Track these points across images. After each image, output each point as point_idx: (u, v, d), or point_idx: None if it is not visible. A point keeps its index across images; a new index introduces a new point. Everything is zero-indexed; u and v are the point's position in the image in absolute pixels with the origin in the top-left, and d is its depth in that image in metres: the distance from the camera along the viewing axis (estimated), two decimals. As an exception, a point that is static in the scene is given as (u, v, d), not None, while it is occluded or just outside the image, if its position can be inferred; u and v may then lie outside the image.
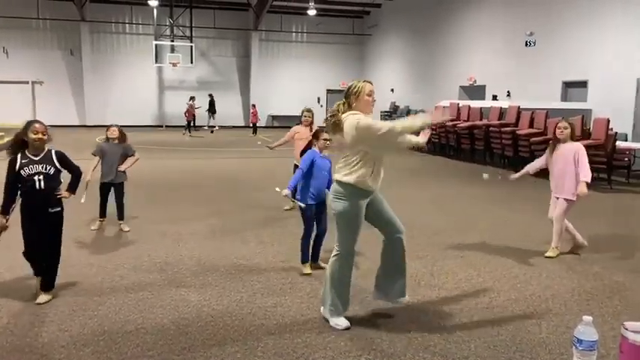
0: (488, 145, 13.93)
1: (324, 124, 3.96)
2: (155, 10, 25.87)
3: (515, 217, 7.60)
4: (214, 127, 24.66)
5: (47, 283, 4.23)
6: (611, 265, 5.39)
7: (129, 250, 5.67)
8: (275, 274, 4.96)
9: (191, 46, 25.53)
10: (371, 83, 3.82)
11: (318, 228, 5.03)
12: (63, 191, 4.22)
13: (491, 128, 13.63)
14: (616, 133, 10.98)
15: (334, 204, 3.77)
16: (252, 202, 8.40)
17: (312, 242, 5.04)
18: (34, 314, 3.96)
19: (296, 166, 7.61)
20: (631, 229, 7.04)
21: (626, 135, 12.38)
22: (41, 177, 4.05)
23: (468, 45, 19.48)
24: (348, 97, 3.77)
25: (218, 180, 10.69)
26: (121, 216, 6.47)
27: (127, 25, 26.43)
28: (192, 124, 22.85)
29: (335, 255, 3.84)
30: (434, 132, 16.17)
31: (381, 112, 22.49)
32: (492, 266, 5.29)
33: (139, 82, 26.29)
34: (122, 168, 6.32)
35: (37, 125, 4.07)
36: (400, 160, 10.80)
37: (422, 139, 4.14)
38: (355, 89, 3.74)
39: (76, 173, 4.33)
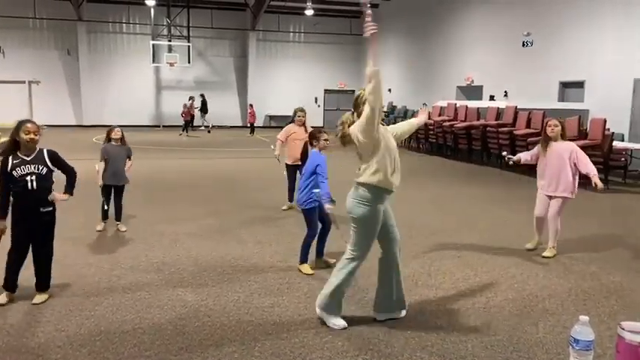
0: (486, 146, 13.94)
1: (338, 137, 3.84)
2: (152, 10, 25.82)
3: (512, 217, 7.61)
4: (208, 126, 24.68)
5: (42, 283, 4.22)
6: (607, 265, 5.40)
7: (126, 250, 5.66)
8: (272, 274, 4.95)
9: (188, 46, 25.49)
10: None
11: (323, 226, 5.06)
12: (60, 194, 4.19)
13: (488, 128, 13.65)
14: (613, 133, 11.01)
15: (356, 209, 3.69)
16: (250, 202, 8.40)
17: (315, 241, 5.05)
18: (30, 314, 3.95)
19: (289, 166, 7.61)
20: (628, 229, 7.05)
21: (623, 135, 12.41)
22: (33, 177, 4.02)
23: (466, 45, 19.50)
24: (357, 107, 3.70)
25: (215, 180, 10.68)
26: (118, 217, 6.47)
27: (124, 24, 26.38)
28: (190, 125, 22.83)
29: (349, 258, 3.80)
30: (431, 132, 16.22)
31: (379, 112, 22.47)
32: (489, 266, 5.30)
33: (137, 82, 26.24)
34: (128, 171, 6.37)
35: (29, 125, 4.04)
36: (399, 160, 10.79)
37: (421, 118, 4.36)
38: (364, 98, 3.64)
39: (70, 173, 4.30)
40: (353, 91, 29.13)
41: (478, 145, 14.29)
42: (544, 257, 5.56)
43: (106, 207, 6.37)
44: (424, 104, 15.82)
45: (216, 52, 27.72)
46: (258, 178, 10.78)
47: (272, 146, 7.94)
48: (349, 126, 3.73)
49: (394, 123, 3.87)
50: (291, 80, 27.92)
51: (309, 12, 25.24)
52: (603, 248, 6.03)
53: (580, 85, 14.37)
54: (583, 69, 14.16)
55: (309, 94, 27.80)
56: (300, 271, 4.98)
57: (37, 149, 4.10)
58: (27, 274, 4.28)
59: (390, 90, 24.26)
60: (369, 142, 3.61)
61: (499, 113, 13.97)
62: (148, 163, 12.05)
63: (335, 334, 3.68)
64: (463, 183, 10.83)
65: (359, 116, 3.67)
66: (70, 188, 4.29)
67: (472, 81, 19.11)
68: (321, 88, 28.88)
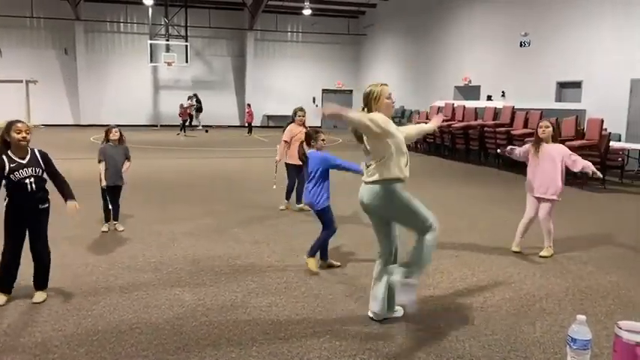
0: (483, 145, 13.96)
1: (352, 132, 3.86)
2: (150, 10, 25.80)
3: (509, 217, 7.61)
4: (204, 126, 24.69)
5: (42, 282, 4.22)
6: (605, 264, 5.42)
7: (123, 250, 5.65)
8: (270, 273, 4.95)
9: (186, 46, 25.49)
10: (387, 85, 3.79)
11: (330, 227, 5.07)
12: (72, 207, 4.11)
13: (485, 128, 13.68)
14: (610, 133, 11.04)
15: (391, 204, 3.67)
16: (247, 201, 8.39)
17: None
18: (27, 314, 3.95)
19: (291, 166, 7.60)
20: (625, 228, 7.07)
21: (620, 135, 12.45)
22: (32, 179, 4.04)
23: (463, 45, 19.53)
24: (368, 104, 3.74)
25: (213, 180, 10.67)
26: (116, 217, 6.46)
27: (122, 24, 26.36)
28: (189, 124, 22.82)
29: (427, 231, 3.66)
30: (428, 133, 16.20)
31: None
32: (487, 266, 5.31)
33: (134, 81, 26.23)
34: (126, 172, 6.35)
35: (19, 125, 4.03)
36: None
37: (434, 123, 4.42)
38: (374, 94, 3.71)
39: (60, 178, 4.23)
40: (351, 90, 29.18)
41: (476, 145, 14.32)
42: (541, 257, 5.57)
43: (110, 207, 6.36)
44: (438, 110, 15.63)
45: (213, 52, 27.71)
46: (255, 178, 10.78)
47: (278, 146, 7.82)
48: None
49: (393, 123, 3.86)
50: (289, 80, 27.93)
51: (307, 12, 25.25)
52: (600, 248, 6.05)
53: (577, 85, 14.41)
54: (580, 69, 14.20)
55: (307, 93, 27.81)
56: (307, 265, 4.94)
57: (30, 150, 4.10)
58: (24, 273, 4.27)
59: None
60: (380, 140, 3.63)
61: (496, 113, 13.99)
62: (146, 163, 12.03)
63: (332, 334, 3.68)
64: (461, 183, 10.84)
65: (369, 111, 3.72)
66: (71, 195, 4.20)
67: (470, 81, 19.14)
68: (319, 87, 28.89)
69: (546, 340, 3.63)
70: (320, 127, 23.94)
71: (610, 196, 9.59)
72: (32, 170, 4.05)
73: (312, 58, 28.66)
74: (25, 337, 3.57)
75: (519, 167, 8.90)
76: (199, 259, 5.37)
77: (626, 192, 10.10)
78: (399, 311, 3.99)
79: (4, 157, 3.99)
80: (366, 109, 3.77)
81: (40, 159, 4.13)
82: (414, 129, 4.41)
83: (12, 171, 3.99)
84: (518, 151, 5.87)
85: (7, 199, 4.07)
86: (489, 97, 17.21)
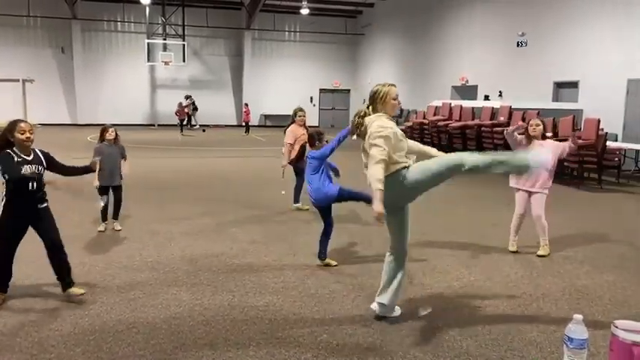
0: (480, 145, 13.96)
1: (352, 125, 3.88)
2: (147, 9, 25.77)
3: (507, 217, 7.61)
4: (196, 125, 24.67)
5: (70, 278, 4.24)
6: (601, 264, 5.43)
7: (120, 250, 5.64)
8: (267, 273, 4.95)
9: (183, 45, 25.46)
10: (395, 86, 3.79)
11: (330, 225, 5.16)
12: (95, 162, 4.45)
13: (483, 128, 13.69)
14: (606, 133, 11.06)
15: (402, 188, 3.76)
16: (245, 201, 8.38)
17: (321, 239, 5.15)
18: (23, 313, 3.94)
19: (294, 166, 7.57)
20: (621, 228, 7.08)
21: (617, 135, 12.48)
22: (34, 178, 4.04)
23: (461, 45, 19.55)
24: (374, 103, 3.76)
25: (210, 179, 10.66)
26: (116, 215, 6.45)
27: (119, 23, 26.30)
28: (187, 124, 22.79)
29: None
30: (426, 132, 16.25)
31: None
32: (484, 265, 5.32)
33: (131, 80, 26.18)
34: (125, 173, 6.35)
35: (23, 125, 4.02)
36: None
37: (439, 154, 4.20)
38: (381, 94, 3.71)
39: (68, 166, 4.40)
40: (348, 90, 29.19)
41: (473, 145, 14.31)
42: (538, 256, 5.59)
43: (102, 203, 6.32)
44: (435, 110, 15.63)
45: (211, 51, 27.68)
46: (253, 178, 10.76)
47: (282, 150, 7.73)
48: (362, 117, 3.77)
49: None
50: (286, 79, 27.91)
51: (304, 11, 25.25)
52: (597, 247, 6.06)
53: (574, 85, 14.44)
54: (577, 69, 14.22)
55: (304, 93, 27.82)
56: (329, 265, 5.07)
57: (32, 150, 4.10)
58: (19, 273, 4.26)
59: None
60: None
61: (494, 113, 14.00)
62: (143, 162, 12.01)
63: (330, 334, 3.68)
64: (458, 183, 10.82)
65: (374, 110, 3.76)
66: (88, 165, 4.50)
67: (467, 81, 19.16)
68: (317, 87, 28.89)
69: (543, 340, 3.64)
70: (318, 126, 23.93)
71: (606, 196, 9.62)
72: (36, 168, 4.05)
73: (310, 58, 28.65)
74: (21, 337, 3.56)
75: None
76: (197, 258, 5.37)
77: (623, 192, 10.13)
78: (396, 311, 4.00)
79: (9, 151, 3.99)
80: (370, 108, 3.78)
81: (42, 158, 4.14)
82: (416, 146, 4.26)
83: (18, 165, 3.97)
84: (516, 137, 5.85)
85: (4, 199, 4.06)
86: (486, 97, 17.23)
